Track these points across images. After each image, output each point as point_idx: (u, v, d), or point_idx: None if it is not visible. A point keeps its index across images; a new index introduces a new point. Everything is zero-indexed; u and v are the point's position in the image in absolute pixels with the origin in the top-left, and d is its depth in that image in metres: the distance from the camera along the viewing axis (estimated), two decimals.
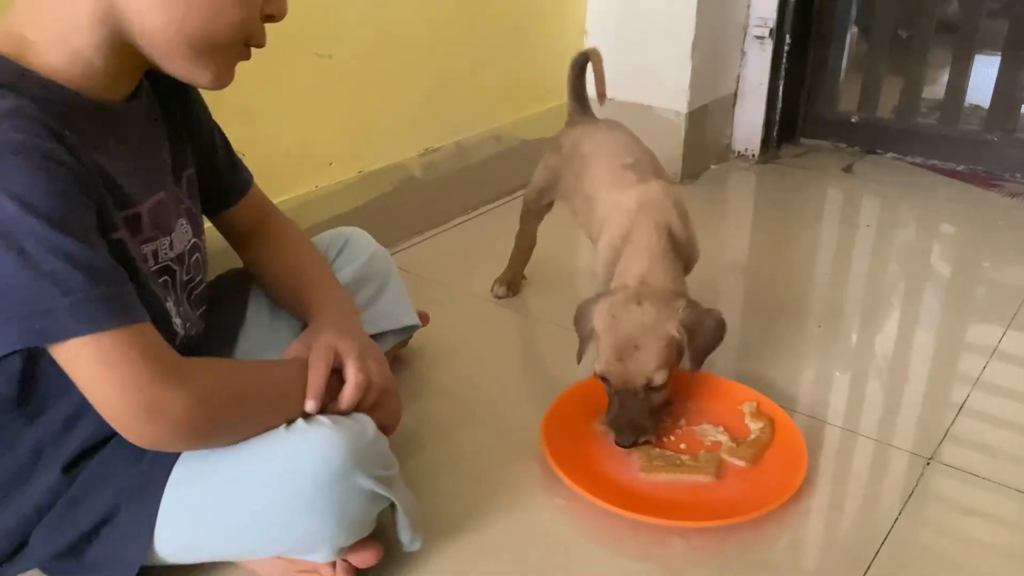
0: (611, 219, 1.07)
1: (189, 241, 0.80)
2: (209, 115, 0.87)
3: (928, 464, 0.99)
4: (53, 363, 0.64)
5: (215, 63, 0.70)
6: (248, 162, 0.95)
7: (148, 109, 0.76)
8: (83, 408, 0.67)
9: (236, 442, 0.72)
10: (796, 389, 1.13)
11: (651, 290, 0.97)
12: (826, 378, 1.17)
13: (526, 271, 1.40)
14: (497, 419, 1.08)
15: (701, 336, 0.96)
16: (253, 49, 0.73)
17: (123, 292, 0.64)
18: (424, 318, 1.15)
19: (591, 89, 1.29)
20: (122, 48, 0.67)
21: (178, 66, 0.69)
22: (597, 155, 1.17)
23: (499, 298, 1.37)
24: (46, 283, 0.59)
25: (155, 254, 0.75)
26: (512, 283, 1.38)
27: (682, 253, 1.03)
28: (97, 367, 0.62)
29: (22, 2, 0.66)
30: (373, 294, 1.01)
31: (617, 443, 0.96)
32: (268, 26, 0.73)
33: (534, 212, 1.34)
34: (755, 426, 1.01)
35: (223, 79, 0.71)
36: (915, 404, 1.11)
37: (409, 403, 1.01)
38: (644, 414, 0.96)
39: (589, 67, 1.28)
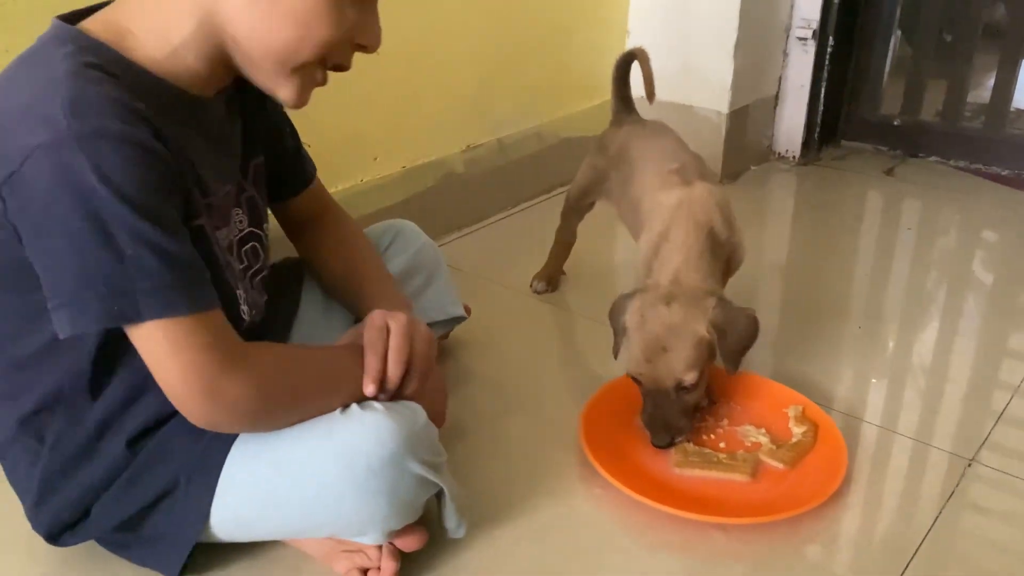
0: (652, 218, 1.08)
1: (244, 230, 0.82)
2: (281, 109, 0.90)
3: (969, 466, 0.99)
4: (119, 342, 0.67)
5: (297, 81, 0.72)
6: None
7: (229, 102, 0.79)
8: (146, 385, 0.70)
9: (292, 424, 0.74)
10: (835, 388, 1.14)
11: (682, 289, 0.97)
12: (865, 379, 1.17)
13: (565, 267, 1.42)
14: (537, 409, 1.10)
15: (733, 336, 0.95)
16: None
17: (197, 280, 0.67)
18: (467, 310, 1.17)
19: (636, 89, 1.30)
20: (216, 51, 0.70)
21: (263, 77, 0.72)
22: (644, 160, 1.18)
23: (538, 293, 1.39)
24: (129, 267, 0.62)
25: (227, 243, 0.78)
26: (551, 279, 1.40)
27: (722, 253, 1.04)
28: (166, 349, 0.65)
29: None
30: (421, 285, 1.04)
31: (653, 444, 0.97)
32: None
33: (576, 210, 1.36)
34: (798, 430, 1.00)
35: (301, 98, 0.74)
36: (954, 409, 1.11)
37: (452, 392, 1.03)
38: (678, 414, 0.96)
39: (635, 67, 1.29)
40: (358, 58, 1.47)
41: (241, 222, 0.82)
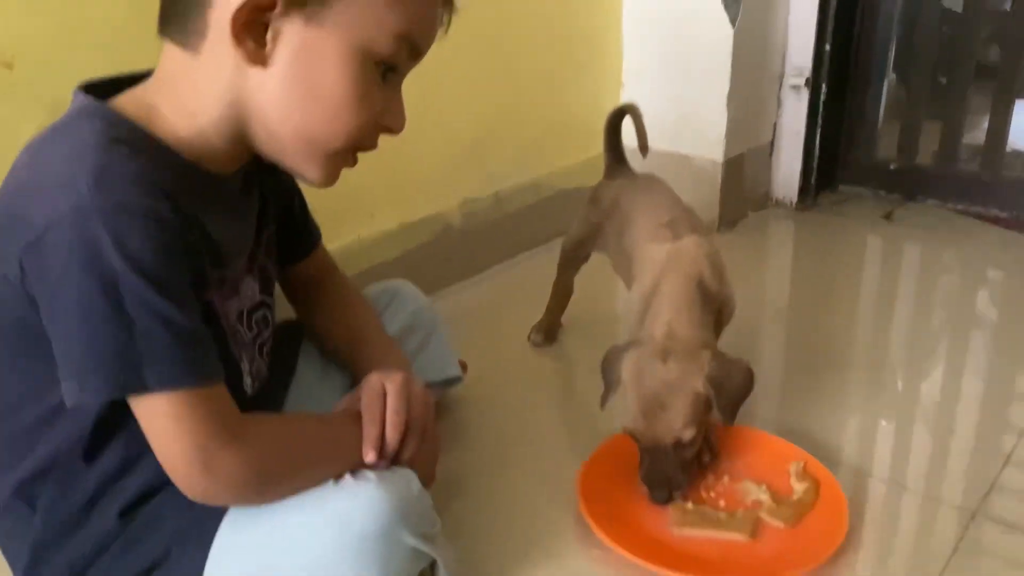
0: (643, 271, 1.09)
1: (255, 299, 0.83)
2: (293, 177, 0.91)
3: (974, 518, 0.97)
4: (119, 411, 0.68)
5: (325, 164, 0.74)
6: None
7: (247, 178, 0.80)
8: (140, 455, 0.71)
9: (287, 496, 0.74)
10: (837, 440, 1.12)
11: (677, 343, 0.96)
12: (868, 428, 1.16)
13: (564, 318, 1.42)
14: (535, 465, 1.08)
15: (729, 389, 0.95)
16: None
17: (204, 354, 0.67)
18: (463, 367, 1.17)
19: (629, 141, 1.31)
20: (240, 134, 0.72)
21: (290, 161, 0.74)
22: (635, 212, 1.19)
23: (536, 345, 1.38)
24: (138, 340, 0.63)
25: (232, 315, 0.78)
26: (549, 330, 1.40)
27: (713, 306, 1.03)
28: (166, 420, 0.66)
29: (160, 77, 0.72)
30: (418, 346, 1.04)
31: (653, 500, 0.96)
32: None
33: (571, 262, 1.36)
34: (799, 487, 0.99)
35: (330, 180, 0.75)
36: (962, 454, 1.10)
37: (448, 446, 1.03)
38: (676, 469, 0.95)
39: (628, 120, 1.31)
40: None
41: (253, 292, 0.83)
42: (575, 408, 1.27)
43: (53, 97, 0.77)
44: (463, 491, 1.02)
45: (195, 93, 0.70)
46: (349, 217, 1.43)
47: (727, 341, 1.07)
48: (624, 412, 0.96)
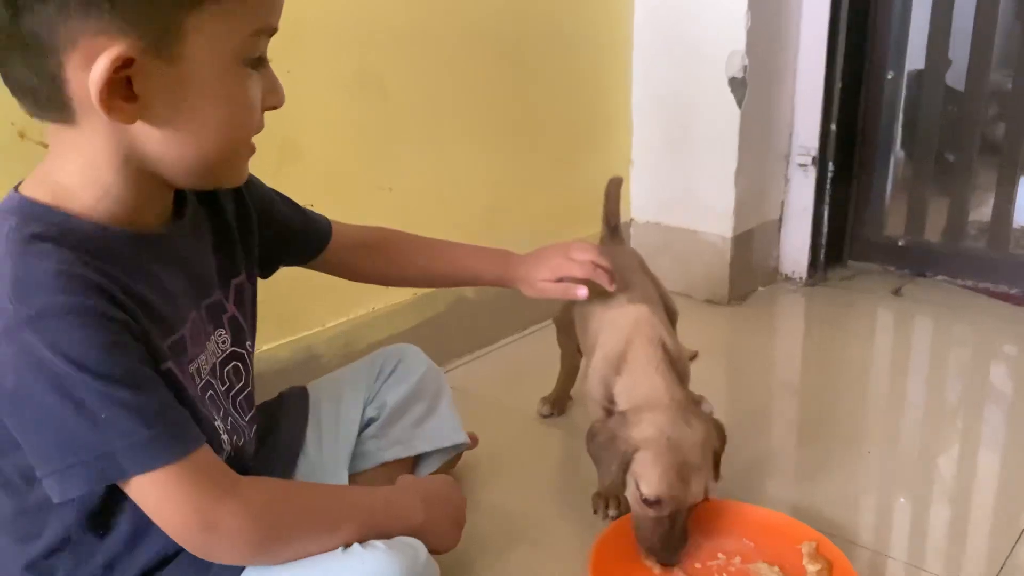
0: (603, 336, 1.10)
1: (225, 351, 0.83)
2: (262, 189, 0.92)
3: None
4: (115, 488, 0.69)
5: (235, 168, 0.75)
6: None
7: (193, 224, 0.80)
8: (151, 523, 0.71)
9: (295, 558, 0.74)
10: (851, 517, 1.11)
11: (685, 405, 0.98)
12: (883, 505, 1.15)
13: (574, 391, 1.42)
14: (545, 539, 1.08)
15: (723, 443, 1.00)
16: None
17: (176, 425, 0.68)
18: (473, 440, 1.18)
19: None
20: (148, 178, 0.71)
21: (202, 183, 0.75)
22: None
23: (544, 417, 1.39)
24: (104, 430, 0.64)
25: (199, 372, 0.78)
26: (557, 402, 1.41)
27: (676, 367, 1.05)
28: (157, 496, 0.67)
29: (54, 153, 0.70)
30: (424, 412, 1.06)
31: (668, 563, 0.97)
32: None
33: (562, 328, 1.38)
34: (812, 568, 0.97)
35: (243, 178, 0.78)
36: (978, 531, 1.08)
37: None
38: (685, 527, 0.97)
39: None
40: (378, 200, 1.55)
41: (224, 342, 0.83)
42: (583, 480, 1.26)
43: None
44: (471, 567, 1.02)
45: (89, 161, 0.69)
46: (364, 288, 1.45)
47: (739, 415, 1.07)
48: (641, 482, 0.94)
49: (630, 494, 0.97)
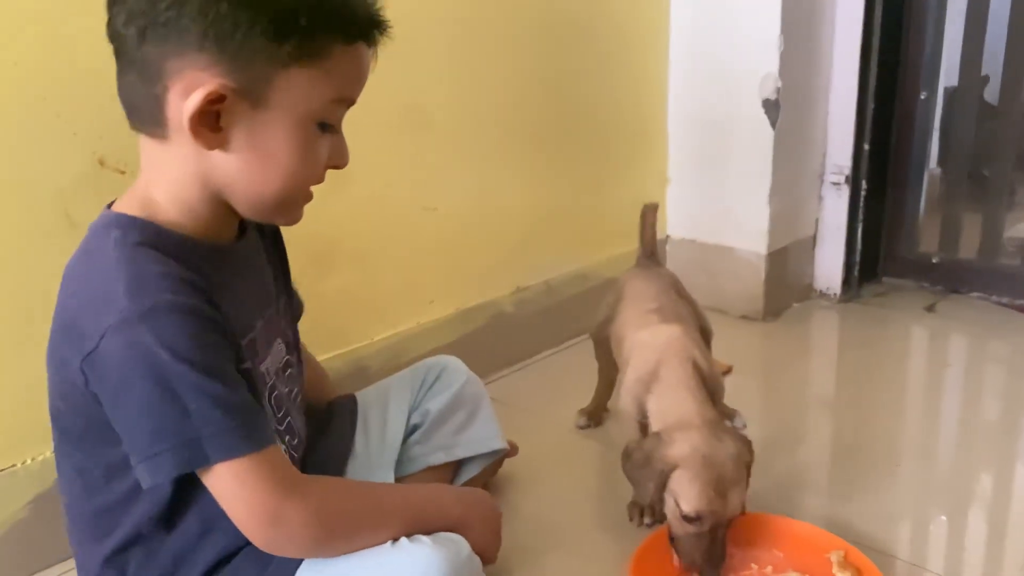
0: (634, 356, 1.14)
1: (283, 358, 0.92)
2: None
3: None
4: (192, 483, 0.76)
5: (291, 210, 0.84)
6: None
7: (254, 244, 0.90)
8: (215, 521, 0.78)
9: (350, 551, 0.80)
10: (886, 532, 1.13)
11: (715, 424, 1.01)
12: (919, 520, 1.17)
13: (610, 403, 1.47)
14: (582, 546, 1.12)
15: (752, 458, 1.02)
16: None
17: (255, 421, 0.76)
18: (514, 448, 1.23)
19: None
20: (221, 202, 0.81)
21: (260, 216, 0.83)
22: (630, 299, 1.28)
23: (581, 428, 1.44)
24: (192, 419, 0.72)
25: (268, 372, 0.87)
26: (594, 414, 1.45)
27: (708, 385, 1.09)
28: (232, 485, 0.74)
29: (145, 169, 0.80)
30: (465, 419, 1.12)
31: None
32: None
33: (599, 345, 1.42)
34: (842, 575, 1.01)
35: (297, 219, 0.85)
36: (1016, 547, 1.10)
37: None
38: (724, 542, 0.99)
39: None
40: (421, 218, 1.61)
41: (281, 350, 0.92)
42: (619, 491, 1.30)
43: None
44: (511, 572, 1.06)
45: (175, 179, 0.78)
46: (409, 303, 1.53)
47: (773, 429, 1.10)
48: (680, 499, 0.97)
49: (669, 511, 0.99)
